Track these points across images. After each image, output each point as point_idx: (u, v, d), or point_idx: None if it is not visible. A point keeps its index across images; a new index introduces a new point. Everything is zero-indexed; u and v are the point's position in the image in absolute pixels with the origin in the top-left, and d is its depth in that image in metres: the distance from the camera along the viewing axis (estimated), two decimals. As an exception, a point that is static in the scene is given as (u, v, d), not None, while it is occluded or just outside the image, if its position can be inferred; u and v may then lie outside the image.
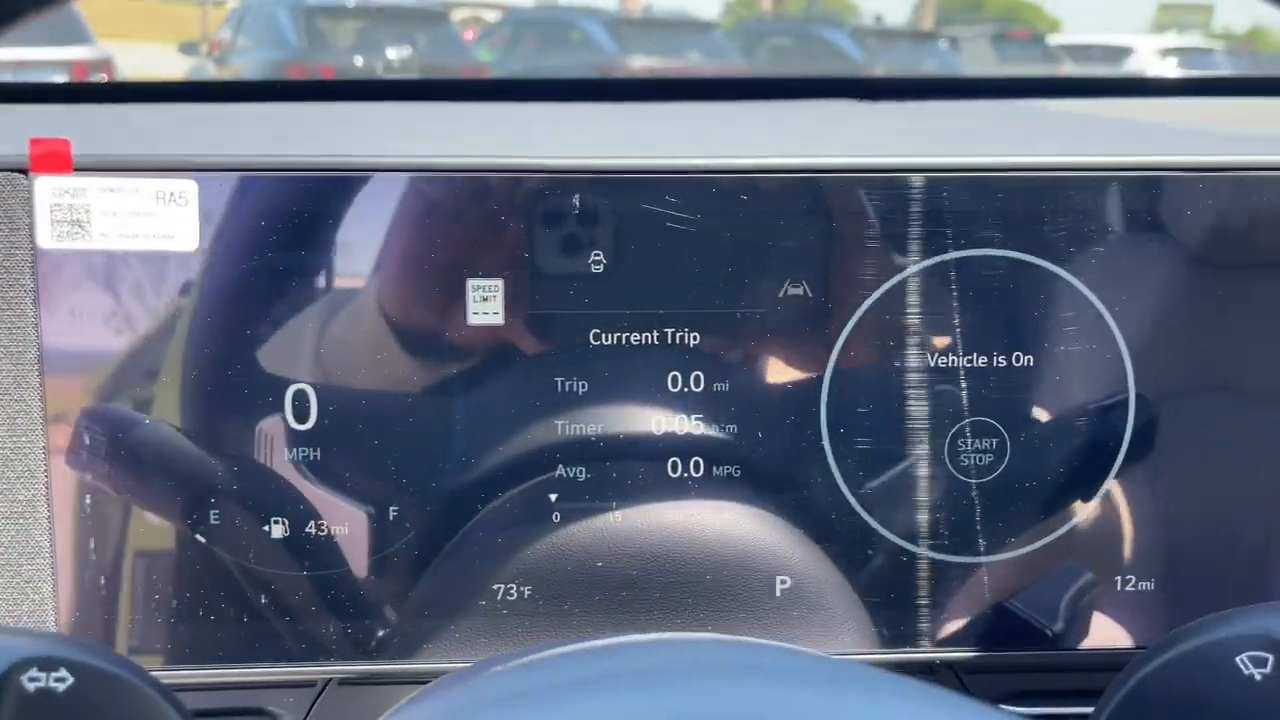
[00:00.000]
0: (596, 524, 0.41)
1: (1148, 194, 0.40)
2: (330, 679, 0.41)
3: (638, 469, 0.41)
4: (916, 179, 0.40)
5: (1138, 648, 0.42)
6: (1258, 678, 0.30)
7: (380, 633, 0.41)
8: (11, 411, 0.39)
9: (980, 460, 0.41)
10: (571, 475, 0.40)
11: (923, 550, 0.41)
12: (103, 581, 0.40)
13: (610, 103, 0.42)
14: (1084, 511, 0.41)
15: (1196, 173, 0.40)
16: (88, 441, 0.40)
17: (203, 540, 0.40)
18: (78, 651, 0.29)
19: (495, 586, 0.40)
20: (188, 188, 0.39)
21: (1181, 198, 0.40)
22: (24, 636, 0.30)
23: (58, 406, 0.39)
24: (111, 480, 0.40)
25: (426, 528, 0.40)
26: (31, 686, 0.28)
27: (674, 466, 0.41)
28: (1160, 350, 0.41)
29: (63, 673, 0.29)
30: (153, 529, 0.40)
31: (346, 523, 0.40)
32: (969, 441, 0.41)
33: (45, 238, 0.39)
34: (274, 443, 0.40)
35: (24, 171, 0.38)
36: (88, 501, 0.39)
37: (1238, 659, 0.31)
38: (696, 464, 0.41)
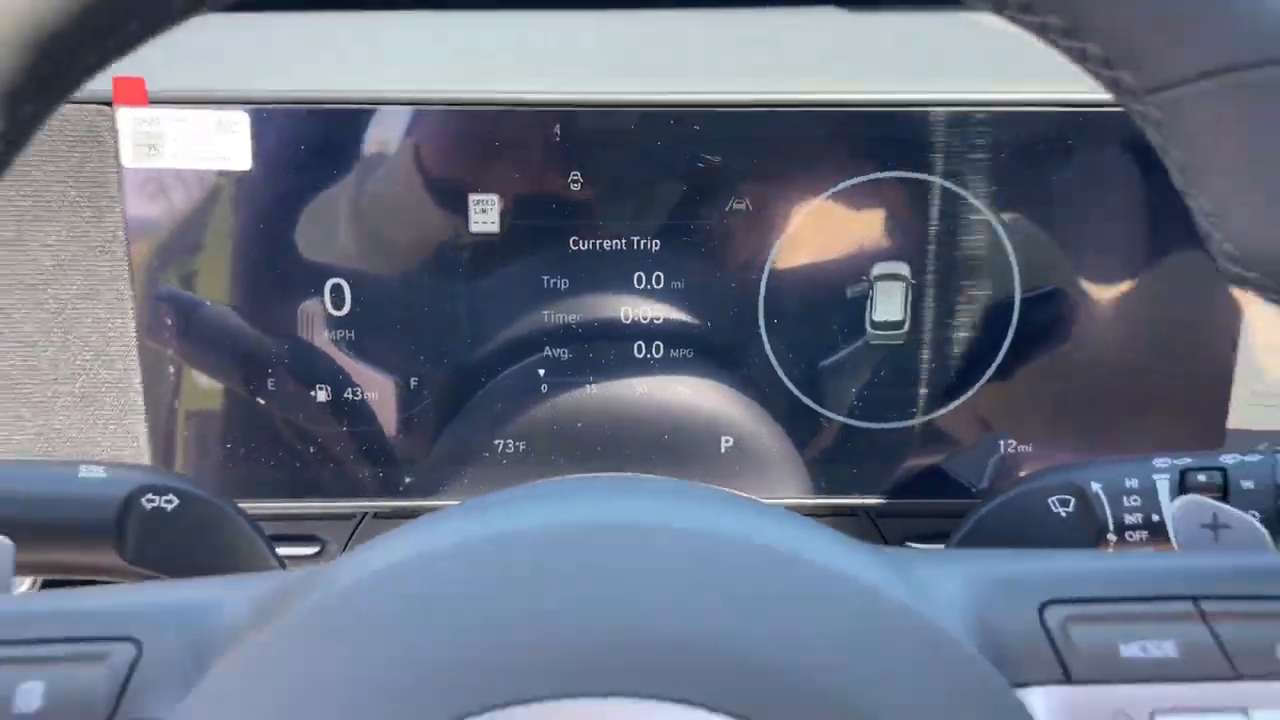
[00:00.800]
0: (576, 394, 0.50)
1: (1036, 126, 0.48)
2: (367, 513, 0.52)
3: (609, 350, 0.50)
4: (841, 112, 0.47)
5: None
6: (1063, 515, 0.40)
7: (407, 477, 0.51)
8: (108, 298, 0.49)
9: (889, 343, 0.50)
10: (556, 355, 0.50)
11: (841, 417, 0.51)
12: (184, 433, 0.50)
13: (586, 10, 0.48)
14: (977, 387, 0.51)
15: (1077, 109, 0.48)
16: (168, 321, 0.49)
17: (262, 402, 0.50)
18: (178, 482, 0.40)
19: (496, 442, 0.50)
20: (240, 118, 0.47)
21: (1063, 129, 0.48)
22: (139, 470, 0.40)
23: (143, 293, 0.49)
24: (186, 353, 0.49)
25: (441, 395, 0.50)
26: (148, 505, 0.39)
27: (639, 349, 0.50)
28: (1039, 253, 0.49)
29: (170, 496, 0.39)
30: (221, 392, 0.50)
31: (377, 390, 0.50)
32: (880, 331, 0.50)
33: (128, 158, 0.48)
34: (316, 325, 0.49)
35: (109, 104, 0.47)
36: (170, 370, 0.49)
37: (1049, 500, 0.40)
38: (657, 347, 0.50)
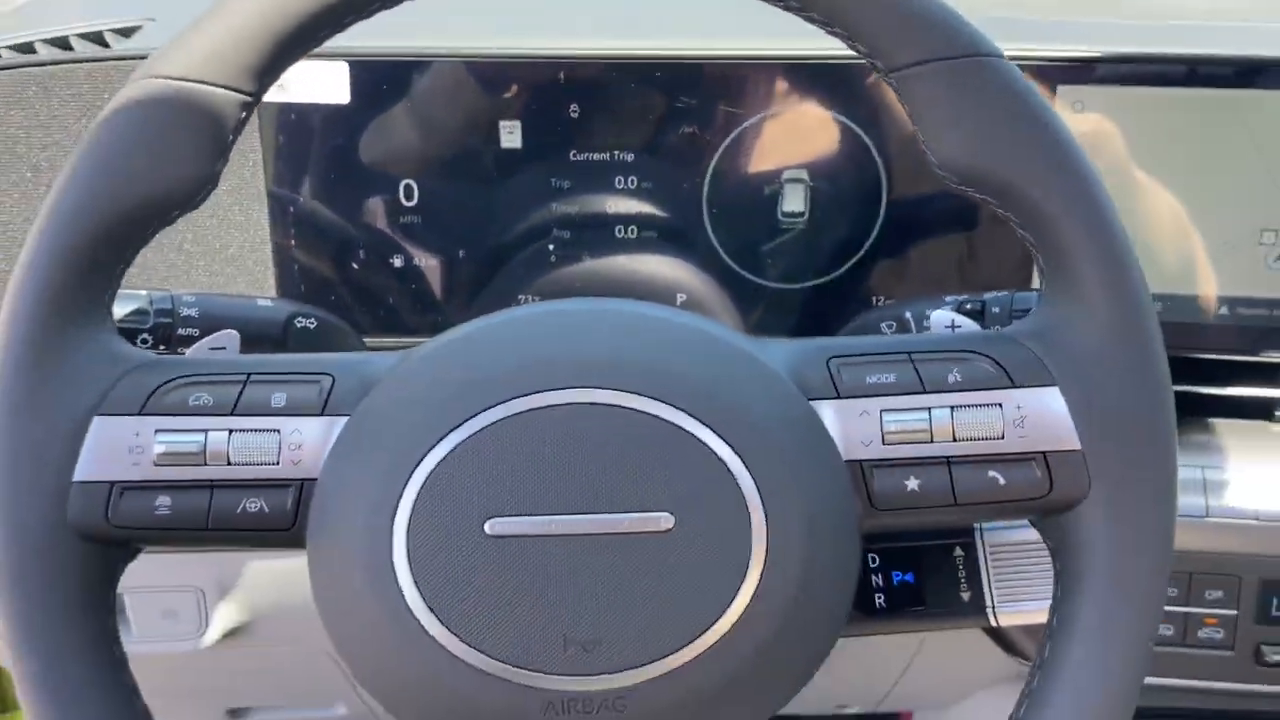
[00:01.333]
0: (575, 264, 0.71)
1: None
2: (427, 348, 0.73)
3: (598, 233, 0.71)
4: (767, 63, 0.68)
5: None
6: (887, 332, 0.61)
7: (455, 321, 0.72)
8: (246, 195, 0.69)
9: (795, 228, 0.71)
10: (561, 236, 0.71)
11: (760, 280, 0.72)
12: (302, 289, 0.71)
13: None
14: (855, 259, 0.71)
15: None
16: (290, 210, 0.70)
17: (355, 268, 0.71)
18: (315, 311, 0.61)
19: (520, 296, 0.72)
20: (341, 67, 0.67)
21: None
22: (290, 303, 0.62)
23: (272, 190, 0.69)
24: (296, 238, 0.70)
25: (480, 264, 0.71)
26: (299, 325, 0.60)
27: (619, 231, 0.71)
28: (898, 163, 0.70)
29: (313, 320, 0.61)
30: (327, 262, 0.71)
31: (435, 260, 0.71)
32: (787, 219, 0.70)
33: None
34: (391, 213, 0.70)
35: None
36: (292, 244, 0.70)
37: (880, 324, 0.62)
38: (632, 230, 0.71)
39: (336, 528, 0.44)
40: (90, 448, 0.44)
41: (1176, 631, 0.69)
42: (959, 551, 0.58)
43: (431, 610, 0.42)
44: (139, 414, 0.44)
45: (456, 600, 0.42)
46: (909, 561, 0.58)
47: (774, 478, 0.43)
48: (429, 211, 0.70)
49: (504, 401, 0.43)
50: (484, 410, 0.43)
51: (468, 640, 0.42)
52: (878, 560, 0.59)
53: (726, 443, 0.43)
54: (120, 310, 0.57)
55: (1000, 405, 0.45)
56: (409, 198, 0.70)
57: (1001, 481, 0.45)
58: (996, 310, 0.58)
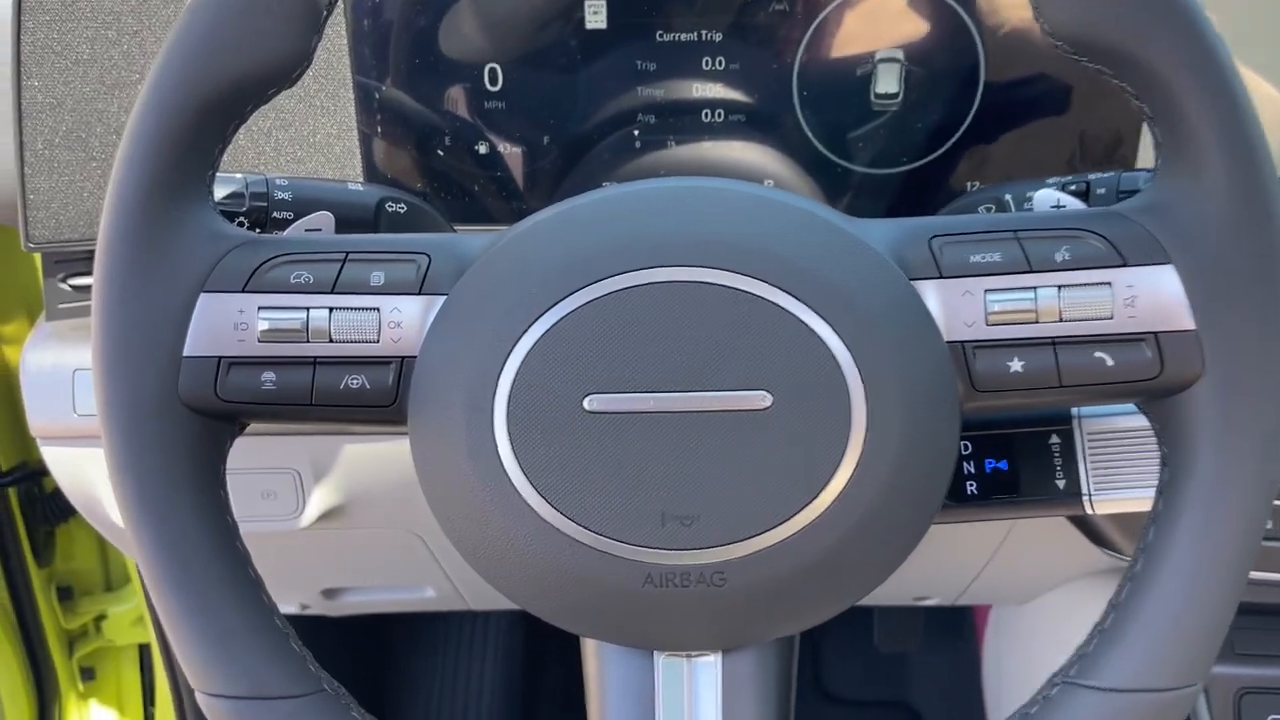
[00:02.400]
0: (661, 150, 0.70)
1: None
2: (511, 237, 0.73)
3: (685, 117, 0.69)
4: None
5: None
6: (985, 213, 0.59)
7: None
8: (333, 81, 0.69)
9: (887, 108, 0.69)
10: (646, 120, 0.70)
11: (854, 165, 0.70)
12: (388, 177, 0.71)
13: None
14: (952, 142, 0.69)
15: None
16: (376, 96, 0.70)
17: (440, 155, 0.71)
18: (405, 195, 0.61)
19: (605, 183, 0.71)
20: (424, -54, 0.66)
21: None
22: (380, 188, 0.62)
23: (357, 79, 0.69)
24: (382, 125, 0.70)
25: (565, 150, 0.70)
26: (390, 209, 0.61)
27: (705, 115, 0.69)
28: (1000, 43, 0.67)
29: (403, 204, 0.61)
30: (412, 150, 0.71)
31: (520, 147, 0.70)
32: (881, 99, 0.68)
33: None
34: (475, 99, 0.69)
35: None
36: (379, 128, 0.70)
37: (979, 206, 0.60)
38: (719, 113, 0.69)
39: (438, 404, 0.44)
40: (197, 324, 0.45)
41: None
42: (1055, 439, 0.57)
43: (532, 484, 0.43)
44: (243, 291, 0.45)
45: (557, 475, 0.43)
46: (1002, 449, 0.57)
47: (874, 357, 0.43)
48: (513, 97, 0.69)
49: (603, 278, 0.43)
50: (583, 287, 0.43)
51: (568, 514, 0.43)
52: (970, 448, 0.58)
53: (826, 322, 0.43)
54: (216, 193, 0.58)
55: (1110, 284, 0.44)
56: (493, 83, 0.69)
57: (1109, 363, 0.44)
58: (1102, 191, 0.56)
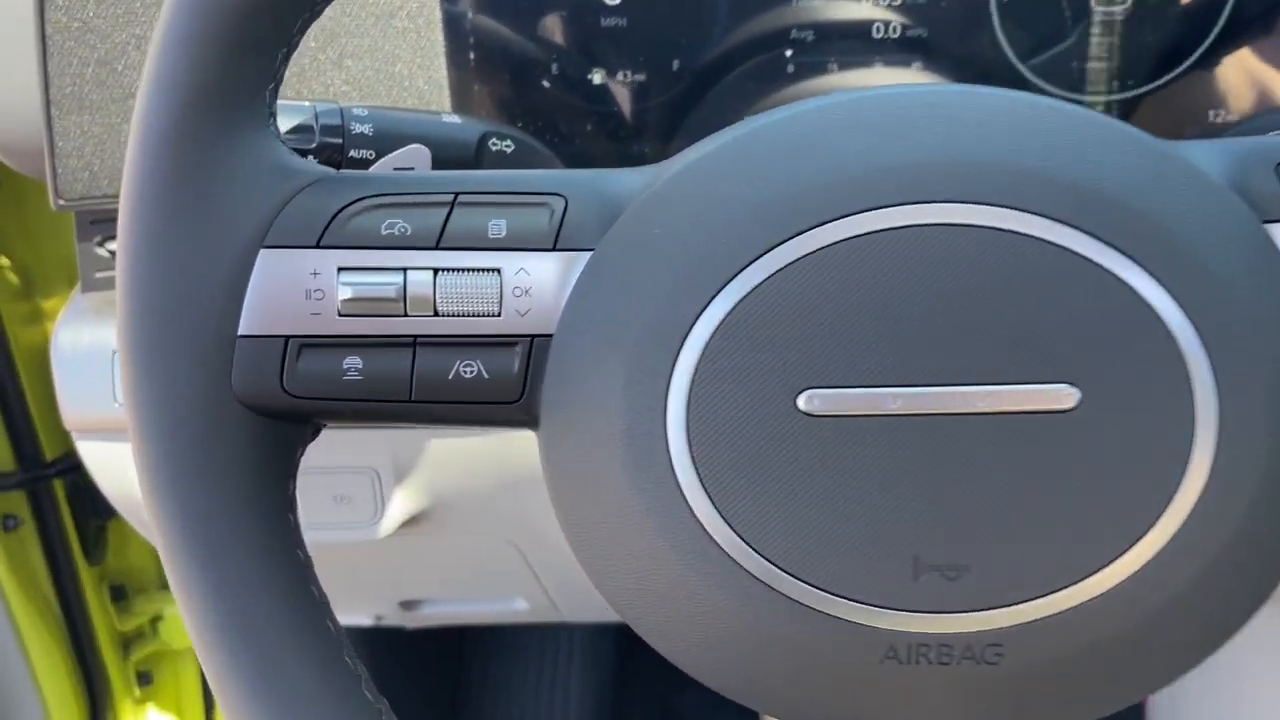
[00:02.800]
0: (820, 76, 0.57)
1: None
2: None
3: (849, 33, 0.56)
4: None
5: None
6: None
7: (668, 154, 0.59)
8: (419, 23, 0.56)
9: (1110, 17, 0.54)
10: (802, 38, 0.56)
11: (1069, 92, 0.56)
12: (483, 116, 0.59)
13: None
14: (1193, 59, 0.55)
15: None
16: (468, 16, 0.57)
17: (547, 86, 0.58)
18: (512, 131, 0.48)
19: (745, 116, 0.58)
20: None
21: None
22: (480, 122, 0.49)
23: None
24: (476, 51, 0.57)
25: (700, 75, 0.57)
26: (494, 147, 0.48)
27: (876, 30, 0.56)
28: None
29: (509, 142, 0.48)
30: (513, 81, 0.58)
31: (645, 74, 0.57)
32: (1102, 6, 0.54)
33: None
34: (589, 15, 0.56)
35: None
36: (472, 54, 0.58)
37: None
38: (894, 28, 0.56)
39: (584, 404, 0.32)
40: (256, 292, 0.33)
41: None
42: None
43: (722, 515, 0.30)
44: (317, 246, 0.33)
45: (757, 503, 0.30)
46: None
47: (1228, 337, 0.29)
48: (635, 11, 0.56)
49: (825, 222, 0.30)
50: (795, 235, 0.30)
51: (773, 558, 0.30)
52: None
53: (1160, 283, 0.29)
54: (280, 125, 0.45)
55: None
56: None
57: None
58: None
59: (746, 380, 0.30)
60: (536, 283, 0.33)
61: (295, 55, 0.56)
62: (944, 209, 0.30)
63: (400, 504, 0.63)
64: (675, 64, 0.57)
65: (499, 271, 0.33)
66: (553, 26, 0.57)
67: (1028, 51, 0.55)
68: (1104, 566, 0.29)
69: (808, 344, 0.30)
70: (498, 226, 0.33)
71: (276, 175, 0.33)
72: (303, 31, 0.34)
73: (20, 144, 0.61)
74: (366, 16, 0.56)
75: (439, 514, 0.66)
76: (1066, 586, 0.29)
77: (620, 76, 0.57)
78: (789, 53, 0.56)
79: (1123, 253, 0.29)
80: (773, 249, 0.30)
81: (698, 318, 0.30)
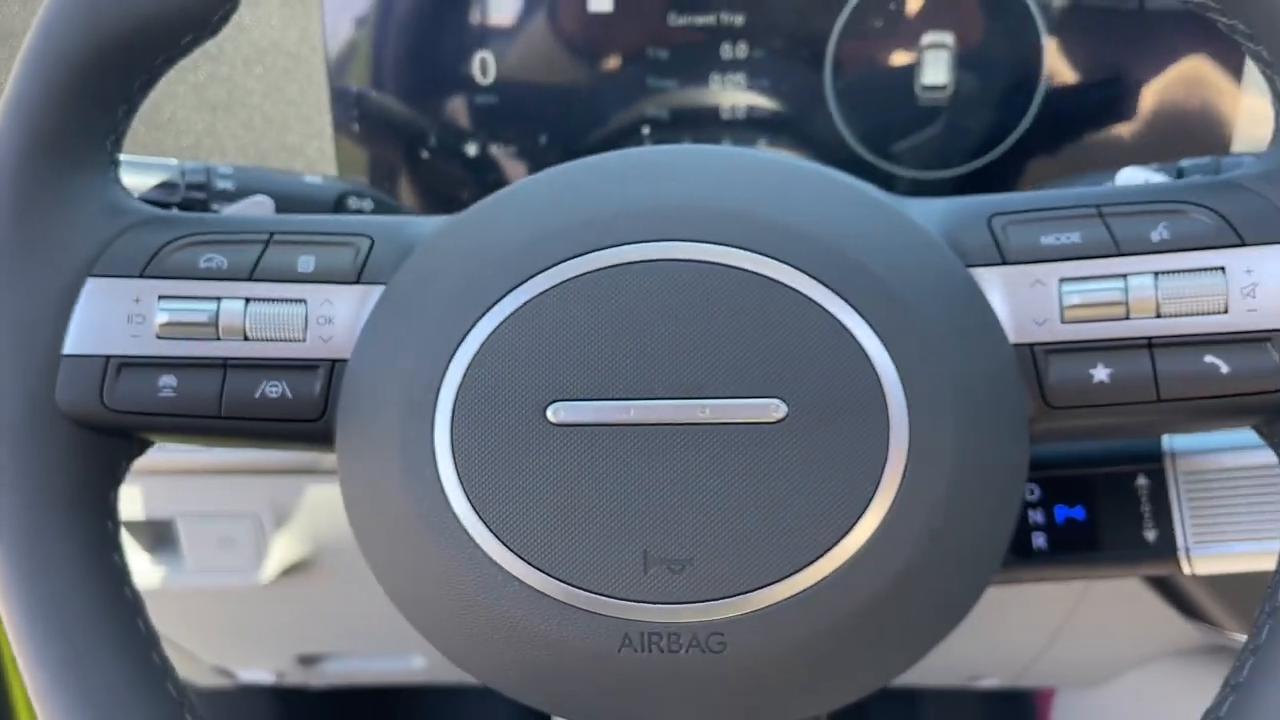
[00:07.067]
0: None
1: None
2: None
3: (701, 114, 0.61)
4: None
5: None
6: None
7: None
8: (303, 65, 0.62)
9: (936, 102, 0.60)
10: (657, 115, 0.61)
11: (897, 169, 0.61)
12: (366, 182, 0.63)
13: None
14: (1009, 141, 0.60)
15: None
16: (353, 88, 0.62)
17: (426, 157, 0.63)
18: (373, 193, 0.53)
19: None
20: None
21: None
22: (344, 182, 0.54)
23: (331, 64, 0.62)
24: (360, 121, 0.62)
25: (567, 151, 0.62)
26: (352, 206, 0.52)
27: (725, 112, 0.61)
28: (1065, 32, 0.58)
29: (368, 201, 0.53)
30: (394, 149, 0.63)
31: (515, 147, 0.62)
32: (928, 92, 0.59)
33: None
34: (465, 93, 0.62)
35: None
36: (356, 125, 0.63)
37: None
38: (741, 109, 0.61)
39: (367, 417, 0.36)
40: (82, 315, 0.37)
41: None
42: (1142, 480, 0.47)
43: (480, 516, 0.34)
44: (140, 276, 0.37)
45: (510, 504, 0.34)
46: (1077, 494, 0.47)
47: (920, 361, 0.33)
48: (507, 90, 0.61)
49: (573, 257, 0.34)
50: (546, 269, 0.35)
51: (523, 554, 0.34)
52: (1038, 493, 0.48)
53: (860, 314, 0.34)
54: (147, 181, 0.50)
55: (1223, 269, 0.34)
56: (484, 74, 0.61)
57: (1223, 370, 0.34)
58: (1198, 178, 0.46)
59: (504, 395, 0.34)
60: (339, 312, 0.37)
61: (193, 121, 0.61)
62: (676, 247, 0.34)
63: (282, 549, 0.66)
64: (543, 138, 0.62)
65: (305, 302, 0.37)
66: (432, 102, 0.62)
67: (862, 132, 0.60)
68: (812, 562, 0.33)
69: (557, 363, 0.34)
70: (307, 262, 0.37)
71: (109, 213, 0.38)
72: (145, 90, 0.38)
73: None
74: (261, 87, 0.61)
75: (323, 561, 0.69)
76: (779, 580, 0.33)
77: (494, 149, 0.62)
78: (646, 130, 0.61)
79: (828, 287, 0.33)
80: (527, 280, 0.34)
81: (462, 341, 0.34)
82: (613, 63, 0.60)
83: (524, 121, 0.62)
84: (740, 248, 0.34)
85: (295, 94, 0.61)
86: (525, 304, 0.34)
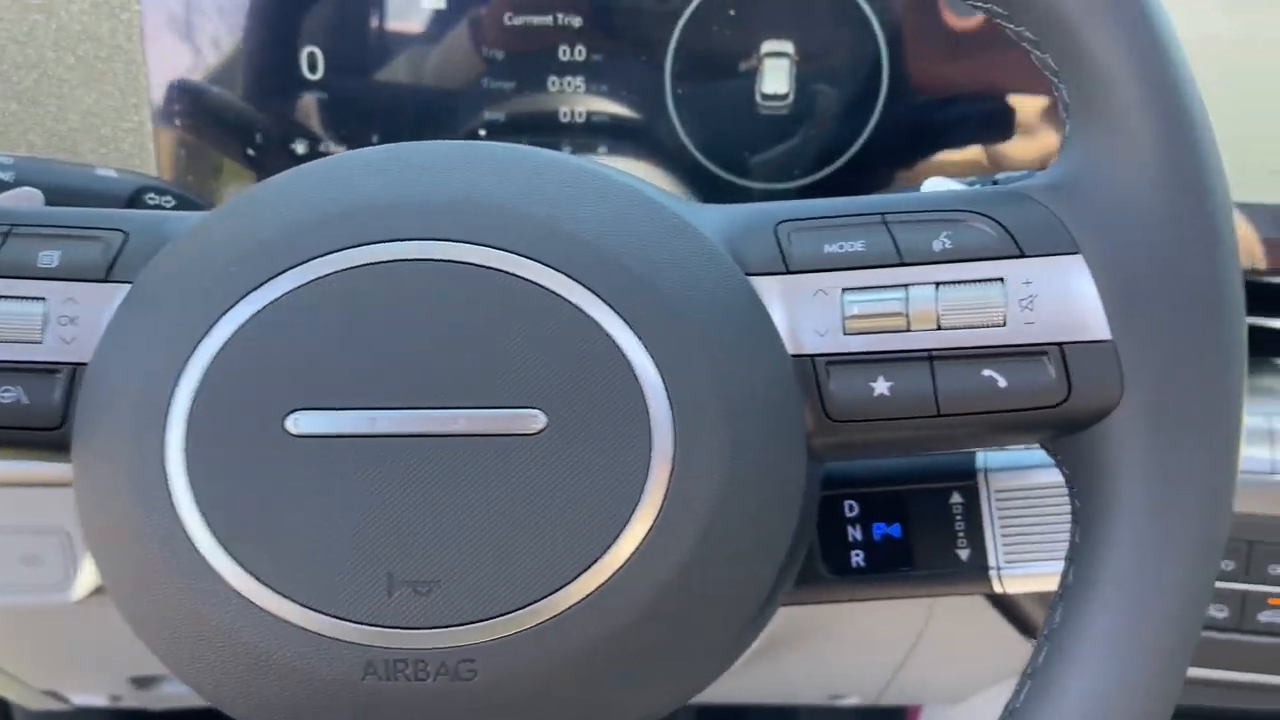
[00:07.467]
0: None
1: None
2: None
3: (538, 118, 0.59)
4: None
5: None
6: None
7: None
8: (119, 55, 0.58)
9: (776, 111, 0.59)
10: (494, 118, 0.59)
11: (738, 179, 0.60)
12: (189, 179, 0.60)
13: None
14: (851, 151, 0.59)
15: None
16: (175, 80, 0.59)
17: (251, 154, 0.60)
18: (176, 189, 0.50)
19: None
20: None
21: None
22: (143, 177, 0.51)
23: (150, 54, 0.58)
24: (181, 115, 0.59)
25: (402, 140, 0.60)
26: (151, 201, 0.49)
27: (564, 115, 0.59)
28: (906, 42, 0.57)
29: (169, 198, 0.50)
30: (216, 144, 0.60)
31: (345, 146, 0.60)
32: (769, 101, 0.58)
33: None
34: (292, 88, 0.59)
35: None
36: (178, 119, 0.59)
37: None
38: (579, 114, 0.59)
39: (100, 425, 0.33)
40: None
41: (1232, 614, 0.56)
42: (956, 498, 0.46)
43: (212, 532, 0.31)
44: None
45: (244, 521, 0.31)
46: (894, 511, 0.46)
47: (686, 370, 0.32)
48: (337, 87, 0.59)
49: (312, 259, 0.32)
50: (295, 266, 0.32)
51: (258, 574, 0.31)
52: (857, 509, 0.47)
53: (623, 320, 0.32)
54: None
55: (1002, 280, 0.33)
56: (312, 70, 0.59)
57: (1001, 384, 0.33)
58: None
59: (241, 403, 0.32)
60: (84, 312, 0.34)
61: (3, 111, 0.58)
62: (432, 246, 0.32)
63: (94, 566, 0.62)
64: (374, 138, 0.60)
65: (44, 300, 0.34)
66: (258, 97, 0.59)
67: (703, 141, 0.59)
68: (570, 582, 0.31)
69: (298, 369, 0.32)
70: (49, 257, 0.35)
71: None
72: None
73: None
74: (75, 78, 0.58)
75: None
76: (533, 602, 0.31)
77: (323, 147, 0.60)
78: (483, 133, 0.59)
79: (591, 290, 0.32)
80: (275, 277, 0.32)
81: (198, 344, 0.32)
82: (446, 60, 0.58)
83: (354, 120, 0.59)
84: (502, 249, 0.32)
85: (110, 85, 0.58)
86: (271, 303, 0.32)
